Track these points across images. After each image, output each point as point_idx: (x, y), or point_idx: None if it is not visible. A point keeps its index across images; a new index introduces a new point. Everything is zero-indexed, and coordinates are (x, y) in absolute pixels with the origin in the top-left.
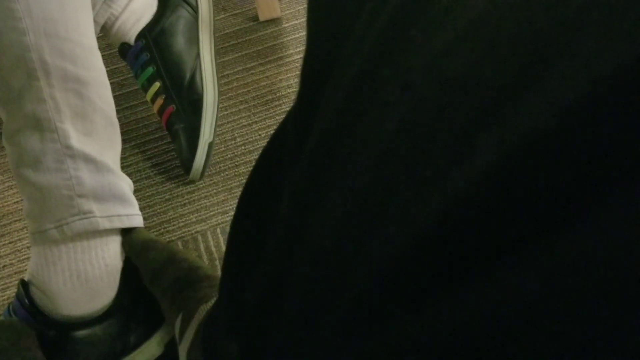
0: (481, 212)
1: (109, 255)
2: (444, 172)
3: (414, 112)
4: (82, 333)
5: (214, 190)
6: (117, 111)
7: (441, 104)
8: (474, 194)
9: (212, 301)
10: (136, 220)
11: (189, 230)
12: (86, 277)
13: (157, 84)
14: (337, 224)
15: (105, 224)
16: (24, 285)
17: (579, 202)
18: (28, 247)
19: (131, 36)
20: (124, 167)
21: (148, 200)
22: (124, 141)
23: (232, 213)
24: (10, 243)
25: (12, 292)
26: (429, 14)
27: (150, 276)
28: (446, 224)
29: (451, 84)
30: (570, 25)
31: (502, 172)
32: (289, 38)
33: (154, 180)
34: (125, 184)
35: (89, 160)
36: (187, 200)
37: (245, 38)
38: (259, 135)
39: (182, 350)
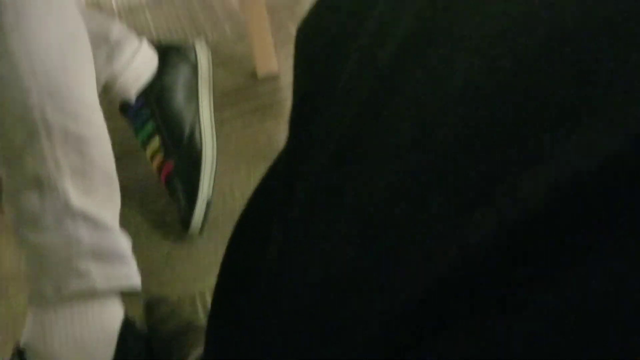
0: (472, 293)
1: (106, 317)
2: (437, 244)
3: (406, 178)
4: None
5: (213, 247)
6: (117, 168)
7: (434, 173)
8: (466, 271)
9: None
10: (134, 279)
11: (187, 290)
12: (82, 341)
13: (157, 141)
14: (317, 289)
15: (103, 284)
16: (19, 351)
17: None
18: (25, 308)
19: (132, 94)
20: (122, 225)
21: (146, 258)
22: (122, 198)
23: None
24: (7, 304)
25: (7, 355)
26: (419, 76)
27: (150, 328)
28: (433, 298)
29: (443, 151)
30: (564, 109)
31: (495, 250)
32: (287, 93)
33: (152, 239)
34: (124, 243)
35: (88, 218)
36: (185, 257)
37: (244, 94)
38: None
39: None
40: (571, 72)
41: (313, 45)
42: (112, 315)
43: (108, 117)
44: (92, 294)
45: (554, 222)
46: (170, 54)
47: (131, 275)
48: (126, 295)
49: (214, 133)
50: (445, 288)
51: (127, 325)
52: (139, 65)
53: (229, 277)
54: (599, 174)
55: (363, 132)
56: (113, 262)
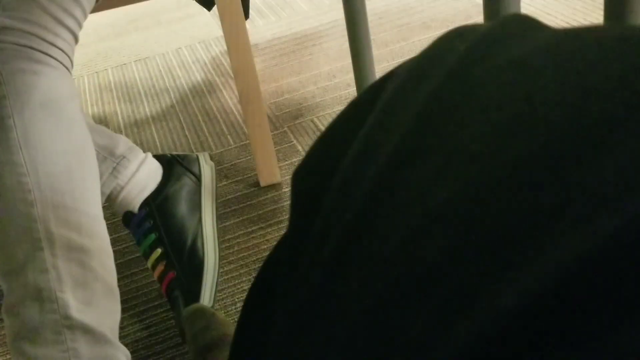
0: None
1: None
2: (420, 356)
3: (389, 292)
4: None
5: None
6: (118, 279)
7: (414, 287)
8: None
9: None
10: None
11: None
12: None
13: (159, 251)
14: None
15: None
16: None
17: None
18: None
19: (135, 205)
20: (122, 337)
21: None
22: (123, 309)
23: None
24: None
25: None
26: (404, 194)
27: (189, 338)
28: None
29: (423, 269)
30: (538, 221)
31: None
32: (289, 202)
33: (151, 351)
34: (122, 355)
35: (87, 331)
36: None
37: (247, 203)
38: None
39: None
40: (539, 192)
41: (304, 181)
42: None
43: (110, 227)
44: None
45: (531, 328)
46: (174, 166)
47: None
48: None
49: (217, 243)
50: None
51: None
52: (143, 177)
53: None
54: (574, 279)
55: (351, 245)
56: None
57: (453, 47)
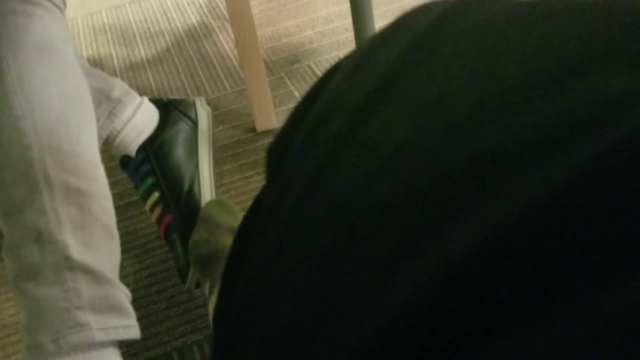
0: (398, 346)
1: None
2: (365, 301)
3: (344, 232)
4: None
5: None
6: (117, 221)
7: (364, 232)
8: (391, 325)
9: None
10: (133, 331)
11: (185, 340)
12: None
13: (156, 195)
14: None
15: (101, 336)
16: None
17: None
18: None
19: (132, 149)
20: (122, 277)
21: (145, 310)
22: (122, 251)
23: None
24: (5, 357)
25: None
26: (360, 141)
27: (191, 245)
28: (364, 352)
29: (374, 211)
30: (482, 165)
31: (418, 306)
32: None
33: (150, 290)
34: (123, 295)
35: (87, 271)
36: (183, 310)
37: (243, 148)
38: None
39: (210, 306)
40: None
41: (274, 148)
42: None
43: (108, 171)
44: (91, 346)
45: (476, 277)
46: (170, 111)
47: (130, 327)
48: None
49: (213, 187)
50: (377, 344)
51: None
52: (140, 121)
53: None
54: (521, 226)
55: (309, 195)
56: (112, 314)
57: (419, 17)
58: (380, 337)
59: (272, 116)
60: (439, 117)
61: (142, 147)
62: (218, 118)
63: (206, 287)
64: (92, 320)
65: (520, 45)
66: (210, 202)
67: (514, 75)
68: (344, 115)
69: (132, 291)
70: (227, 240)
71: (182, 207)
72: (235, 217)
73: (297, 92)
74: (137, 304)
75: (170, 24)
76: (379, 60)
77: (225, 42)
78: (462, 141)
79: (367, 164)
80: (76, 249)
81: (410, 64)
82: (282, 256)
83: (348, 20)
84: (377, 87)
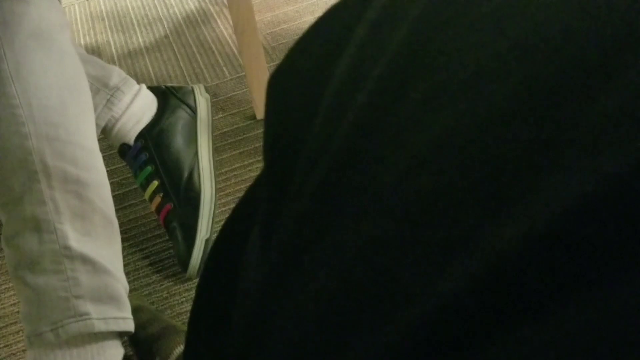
0: (447, 343)
1: (105, 358)
2: (411, 295)
3: (384, 227)
4: None
5: None
6: (116, 210)
7: (407, 226)
8: (439, 319)
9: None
10: (129, 324)
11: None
12: None
13: (156, 183)
14: (304, 330)
15: (101, 326)
16: None
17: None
18: (23, 351)
19: (131, 137)
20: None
21: (146, 298)
22: (122, 240)
23: None
24: (6, 346)
25: None
26: (394, 125)
27: (134, 335)
28: (412, 341)
29: (421, 203)
30: (536, 155)
31: (469, 299)
32: None
33: (151, 279)
34: (121, 287)
35: (86, 261)
36: (184, 298)
37: (243, 136)
38: None
39: None
40: (539, 124)
41: (285, 89)
42: (112, 355)
43: (107, 159)
44: (91, 336)
45: (528, 271)
46: (169, 98)
47: (127, 320)
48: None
49: (213, 175)
50: (421, 339)
51: None
52: (138, 109)
53: (198, 325)
54: (575, 219)
55: (342, 177)
56: (111, 305)
57: None
58: (423, 330)
59: None
60: (482, 100)
61: (141, 135)
62: (217, 105)
63: None
64: (92, 309)
65: (560, 10)
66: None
67: (564, 47)
68: (370, 86)
69: (133, 280)
70: (172, 321)
71: (182, 195)
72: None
73: None
74: (138, 293)
75: (168, 10)
76: (398, 22)
77: (224, 28)
78: (508, 130)
79: (406, 155)
80: (75, 239)
81: (436, 30)
82: (317, 240)
83: None
84: (402, 55)
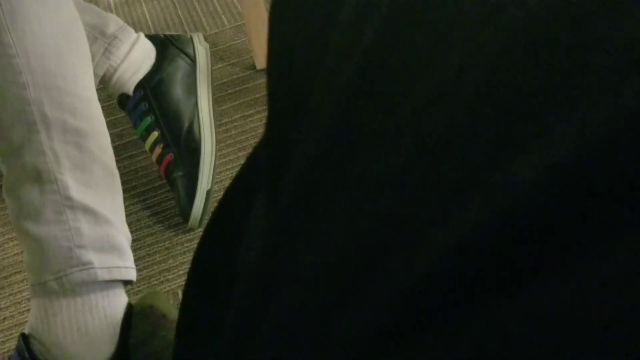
0: (467, 273)
1: (109, 306)
2: (432, 230)
3: (401, 166)
4: None
5: None
6: (117, 161)
7: (423, 164)
8: (460, 254)
9: None
10: (132, 273)
11: None
12: (86, 329)
13: (156, 134)
14: (314, 278)
15: (104, 275)
16: (24, 338)
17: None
18: (28, 300)
19: (130, 87)
20: None
21: (148, 249)
22: (123, 191)
23: None
24: (10, 295)
25: (12, 344)
26: (405, 66)
27: (132, 343)
28: (428, 284)
29: (437, 141)
30: (556, 85)
31: (490, 233)
32: None
33: (153, 229)
34: (123, 236)
35: (88, 211)
36: (186, 249)
37: (243, 86)
38: None
39: None
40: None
41: (289, 23)
42: (115, 303)
43: (107, 110)
44: (94, 283)
45: (551, 204)
46: (168, 48)
47: (129, 269)
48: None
49: (213, 126)
50: (442, 275)
51: (131, 312)
52: (136, 58)
53: (198, 282)
54: (597, 151)
55: (355, 116)
56: (113, 254)
57: None
58: (444, 267)
59: None
60: (502, 30)
61: (140, 85)
62: (216, 55)
63: None
64: (95, 259)
65: None
66: (146, 295)
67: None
68: (382, 12)
69: (135, 231)
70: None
71: (182, 146)
72: (175, 308)
73: None
74: (140, 243)
75: None
76: None
77: None
78: (524, 64)
79: (419, 93)
80: (76, 189)
81: None
82: (330, 182)
83: None
84: None
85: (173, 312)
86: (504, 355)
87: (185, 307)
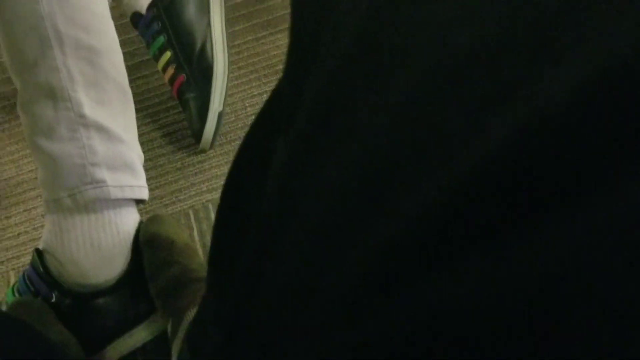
0: (486, 197)
1: (122, 223)
2: (453, 152)
3: (424, 83)
4: (96, 302)
5: (225, 160)
6: (130, 81)
7: (447, 79)
8: (481, 174)
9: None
10: (144, 192)
11: (200, 199)
12: (99, 244)
13: (168, 53)
14: (327, 207)
15: (117, 193)
16: (39, 253)
17: (589, 182)
18: (42, 216)
19: (142, 5)
20: None
21: (160, 169)
22: (136, 110)
23: None
24: (25, 211)
25: (27, 259)
26: None
27: (148, 274)
28: (448, 207)
29: (458, 58)
30: (579, 6)
31: (512, 153)
32: None
33: (165, 150)
34: (136, 155)
35: (101, 129)
36: (198, 170)
37: (256, 7)
38: None
39: (174, 350)
40: None
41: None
42: (128, 220)
43: (119, 28)
44: (107, 201)
45: (576, 124)
46: None
47: (142, 188)
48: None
49: (226, 47)
50: (461, 193)
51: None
52: None
53: (227, 214)
54: (622, 73)
55: (375, 35)
56: (126, 173)
57: None
58: (473, 179)
59: None
60: None
61: (153, 4)
62: None
63: (169, 326)
64: (108, 177)
65: None
66: (147, 222)
67: None
68: None
69: (147, 150)
70: (190, 259)
71: (194, 67)
72: (181, 229)
73: None
74: (152, 163)
75: None
76: None
77: None
78: None
79: (448, 6)
80: (89, 106)
81: None
82: (352, 103)
83: None
84: None
85: (181, 236)
86: (505, 292)
87: (216, 241)
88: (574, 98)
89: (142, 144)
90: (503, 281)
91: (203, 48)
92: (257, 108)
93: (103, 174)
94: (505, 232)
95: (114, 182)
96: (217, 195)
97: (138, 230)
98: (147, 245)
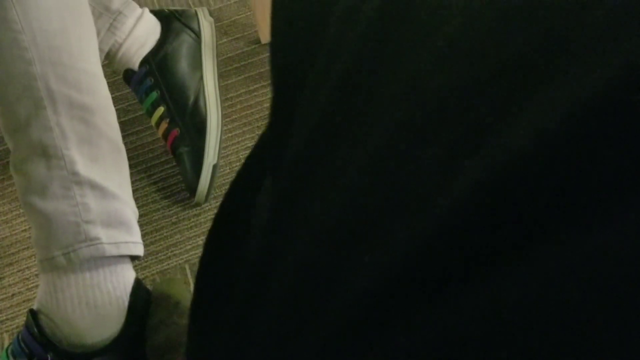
0: (465, 233)
1: (117, 280)
2: (431, 194)
3: (399, 131)
4: None
5: None
6: (123, 137)
7: (424, 125)
8: (460, 213)
9: None
10: (139, 248)
11: (196, 253)
12: (95, 303)
13: (162, 108)
14: (314, 248)
15: (112, 250)
16: (33, 314)
17: (555, 225)
18: (36, 275)
19: (135, 62)
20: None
21: (155, 224)
22: (130, 166)
23: None
24: (18, 271)
25: (21, 320)
26: (406, 33)
27: (147, 332)
28: (428, 248)
29: (433, 105)
30: (550, 49)
31: (486, 193)
32: None
33: (160, 205)
34: (131, 211)
35: (95, 186)
36: (193, 223)
37: (248, 61)
38: None
39: None
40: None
41: (292, 4)
42: (124, 277)
43: (112, 85)
44: (102, 259)
45: (544, 165)
46: (172, 22)
47: (137, 244)
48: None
49: (219, 101)
50: (439, 241)
51: (138, 287)
52: (141, 33)
53: (208, 275)
54: (592, 116)
55: (357, 87)
56: (121, 229)
57: None
58: (444, 228)
59: None
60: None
61: (145, 60)
62: (221, 30)
63: None
64: (102, 234)
65: None
66: (161, 282)
67: None
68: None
69: (142, 206)
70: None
71: (188, 121)
72: (189, 293)
73: None
74: (147, 218)
75: None
76: None
77: None
78: (519, 28)
79: (420, 55)
80: (83, 164)
81: None
82: (330, 155)
83: None
84: None
85: (187, 298)
86: (502, 325)
87: (197, 298)
88: (537, 144)
89: (136, 199)
90: (464, 325)
91: (196, 102)
92: None
93: (97, 231)
94: (475, 275)
95: (109, 239)
96: None
97: (134, 288)
98: (153, 303)
